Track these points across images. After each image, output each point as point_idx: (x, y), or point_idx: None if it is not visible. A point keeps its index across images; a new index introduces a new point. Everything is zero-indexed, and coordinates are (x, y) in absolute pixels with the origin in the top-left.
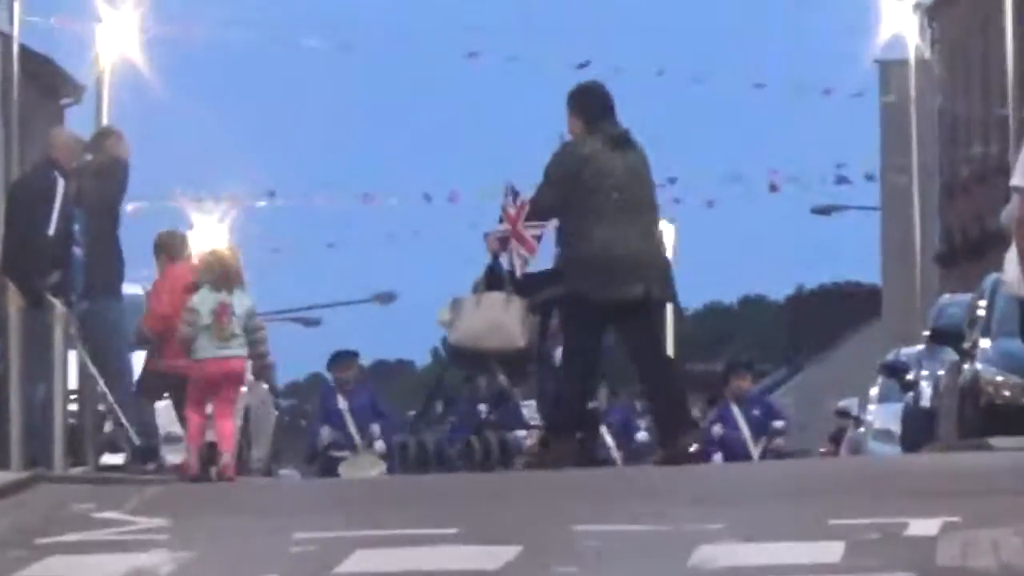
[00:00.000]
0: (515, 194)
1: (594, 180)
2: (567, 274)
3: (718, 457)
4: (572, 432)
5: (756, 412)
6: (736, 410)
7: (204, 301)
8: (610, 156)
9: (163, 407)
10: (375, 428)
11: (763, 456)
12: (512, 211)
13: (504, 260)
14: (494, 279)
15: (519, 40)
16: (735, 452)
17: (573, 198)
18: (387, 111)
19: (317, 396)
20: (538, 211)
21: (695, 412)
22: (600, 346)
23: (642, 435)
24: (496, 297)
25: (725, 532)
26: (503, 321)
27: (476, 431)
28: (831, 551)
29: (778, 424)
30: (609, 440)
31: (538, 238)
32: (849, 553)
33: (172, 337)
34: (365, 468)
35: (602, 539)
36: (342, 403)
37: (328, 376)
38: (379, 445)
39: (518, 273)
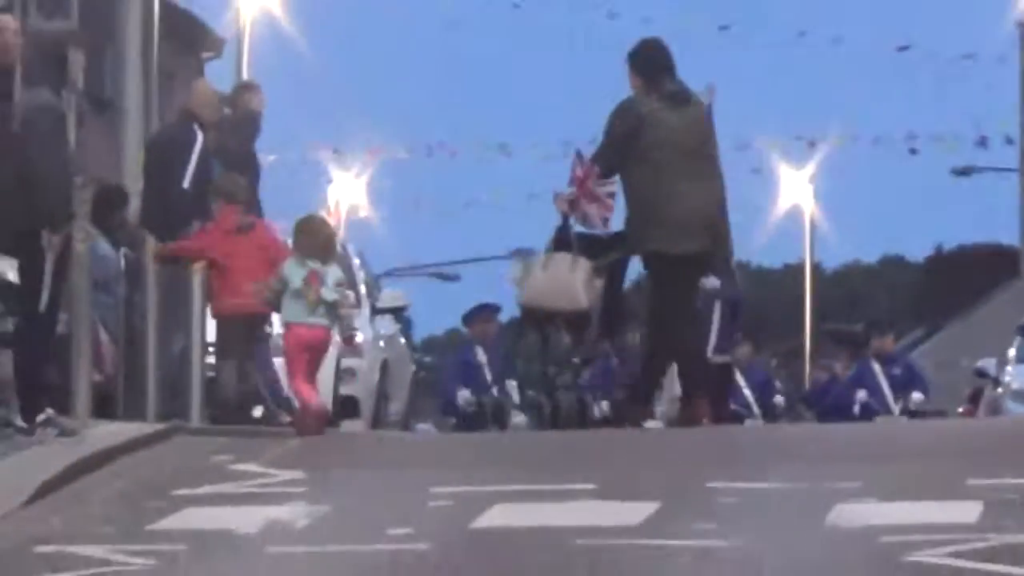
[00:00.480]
0: (580, 156)
1: (652, 137)
2: (632, 233)
3: (856, 412)
4: (647, 399)
5: (897, 371)
6: (877, 368)
7: (295, 268)
8: (668, 114)
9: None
10: (512, 383)
11: (903, 415)
12: (580, 172)
13: (573, 222)
14: (562, 240)
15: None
16: (875, 411)
17: (632, 156)
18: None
19: (453, 350)
20: (600, 170)
21: (836, 369)
22: (690, 299)
23: (779, 398)
24: (563, 258)
25: (862, 490)
26: (569, 282)
27: (548, 392)
28: (969, 511)
29: (917, 396)
30: (750, 397)
31: (612, 195)
32: (987, 514)
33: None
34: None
35: (739, 496)
36: (481, 357)
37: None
38: (517, 398)
39: (601, 231)
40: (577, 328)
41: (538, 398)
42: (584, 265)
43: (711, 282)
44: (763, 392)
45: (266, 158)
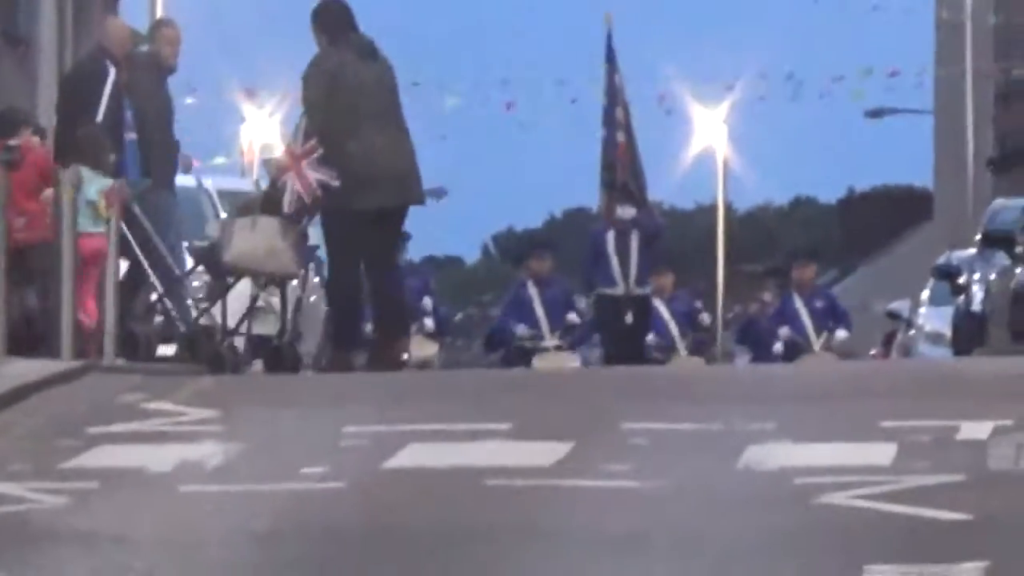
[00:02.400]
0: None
1: (345, 88)
2: (326, 191)
3: (778, 348)
4: (350, 347)
5: (819, 305)
6: (799, 302)
7: (92, 179)
8: (359, 66)
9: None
10: (427, 302)
11: (825, 351)
12: (297, 149)
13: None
14: (270, 203)
15: None
16: (799, 346)
17: (329, 115)
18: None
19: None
20: (316, 138)
21: (736, 311)
22: (392, 248)
23: (842, 332)
24: (271, 222)
25: (775, 432)
26: (279, 247)
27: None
28: (883, 453)
29: (841, 334)
30: (673, 328)
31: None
32: (901, 455)
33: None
34: (418, 348)
35: (652, 437)
36: (534, 293)
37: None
38: (428, 323)
39: (286, 209)
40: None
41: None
42: (294, 230)
43: (627, 212)
44: (687, 322)
45: (183, 100)
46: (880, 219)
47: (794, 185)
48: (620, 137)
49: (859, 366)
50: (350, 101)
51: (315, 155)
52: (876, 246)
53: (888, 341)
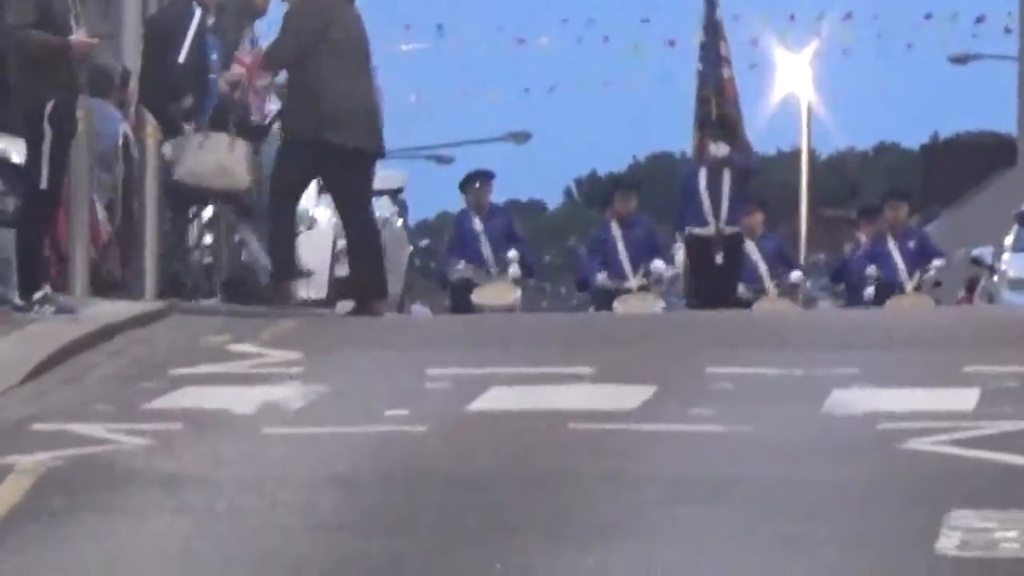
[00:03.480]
0: (253, 42)
1: (338, 34)
2: (294, 120)
3: (870, 292)
4: (289, 276)
5: (911, 245)
6: (892, 243)
7: None
8: (346, 11)
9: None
10: (512, 252)
11: (917, 290)
12: (247, 58)
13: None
14: (219, 119)
15: None
16: (890, 287)
17: (317, 51)
18: None
19: (453, 222)
20: (275, 61)
21: (822, 258)
22: (366, 192)
23: (796, 274)
24: (221, 138)
25: (859, 377)
26: (228, 163)
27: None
28: (966, 398)
29: (937, 262)
30: (762, 269)
31: (267, 88)
32: (984, 401)
33: None
34: (500, 294)
35: (736, 382)
36: (478, 225)
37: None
38: (514, 269)
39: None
40: (240, 205)
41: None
42: (242, 145)
43: (720, 149)
44: (777, 262)
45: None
46: (963, 165)
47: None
48: (725, 72)
49: (942, 312)
50: (341, 43)
51: (266, 79)
52: (959, 192)
53: (972, 287)
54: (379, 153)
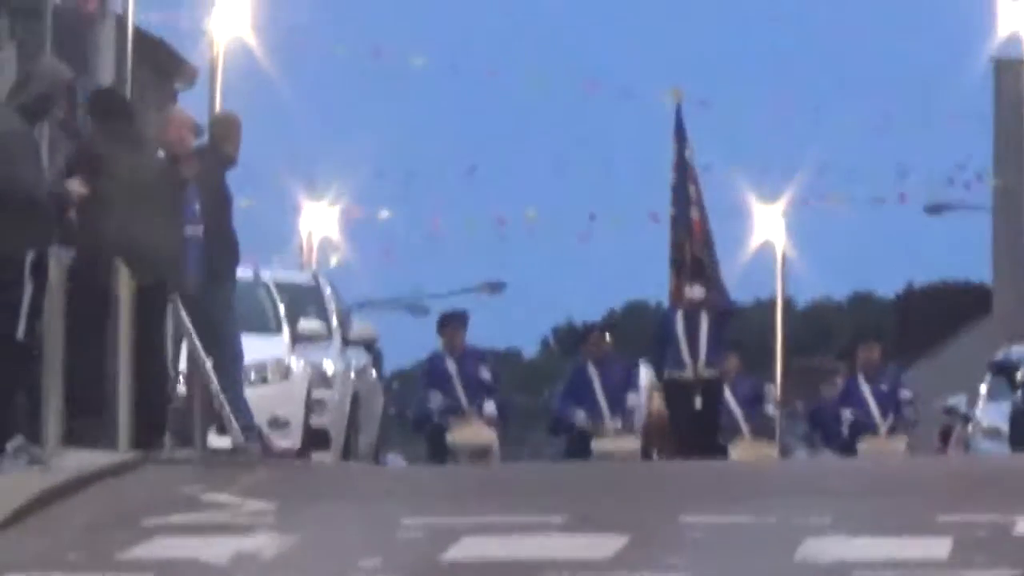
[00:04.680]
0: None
1: (107, 175)
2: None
3: (845, 433)
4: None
5: (884, 387)
6: (865, 386)
7: None
8: (119, 155)
9: (270, 390)
10: (488, 404)
11: (891, 432)
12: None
13: None
14: None
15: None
16: (863, 428)
17: (92, 194)
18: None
19: (425, 362)
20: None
21: (798, 407)
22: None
23: (770, 408)
24: None
25: (832, 526)
26: None
27: None
28: (939, 547)
29: (905, 394)
30: (736, 410)
31: None
32: (957, 550)
33: None
34: (476, 435)
35: (708, 531)
36: (451, 367)
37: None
38: (489, 408)
39: None
40: None
41: None
42: None
43: (696, 292)
44: (752, 406)
45: (240, 200)
46: (938, 314)
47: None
48: (694, 214)
49: (916, 460)
50: (110, 183)
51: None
52: (934, 341)
53: (946, 436)
54: (166, 283)
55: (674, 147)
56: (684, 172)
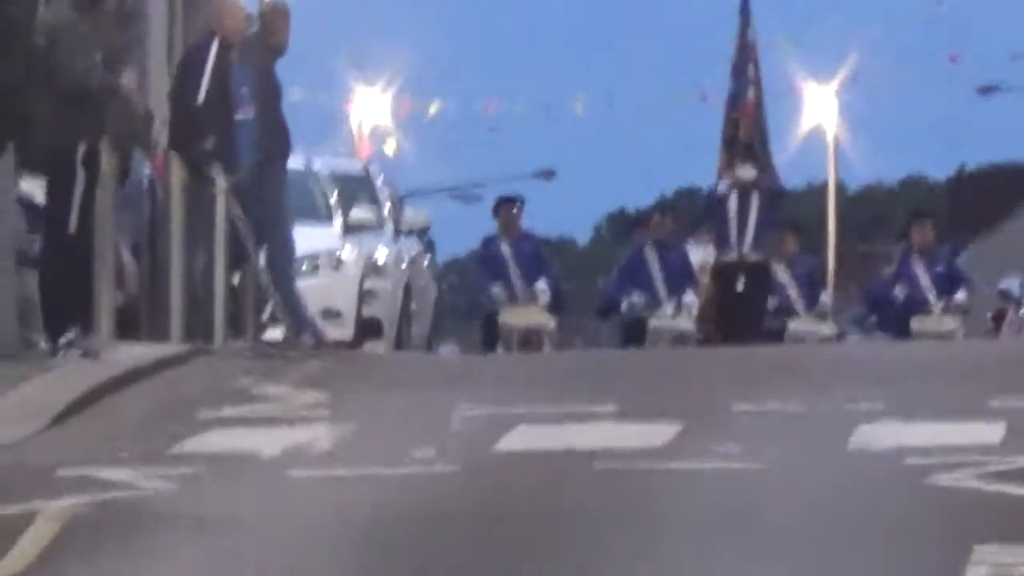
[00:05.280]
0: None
1: None
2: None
3: (898, 311)
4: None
5: (940, 269)
6: (919, 264)
7: None
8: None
9: (322, 281)
10: (541, 284)
11: (945, 311)
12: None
13: None
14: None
15: None
16: (916, 305)
17: None
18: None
19: (480, 247)
20: None
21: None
22: None
23: (825, 299)
24: None
25: (885, 412)
26: None
27: None
28: (992, 432)
29: (960, 296)
30: (794, 293)
31: None
32: (1010, 435)
33: None
34: (530, 317)
35: (761, 418)
36: (506, 251)
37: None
38: (543, 297)
39: None
40: None
41: None
42: None
43: (747, 172)
44: (810, 285)
45: (291, 91)
46: (990, 197)
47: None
48: (750, 93)
49: (968, 345)
50: None
51: None
52: (986, 224)
53: (998, 319)
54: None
55: (738, 25)
56: (745, 51)
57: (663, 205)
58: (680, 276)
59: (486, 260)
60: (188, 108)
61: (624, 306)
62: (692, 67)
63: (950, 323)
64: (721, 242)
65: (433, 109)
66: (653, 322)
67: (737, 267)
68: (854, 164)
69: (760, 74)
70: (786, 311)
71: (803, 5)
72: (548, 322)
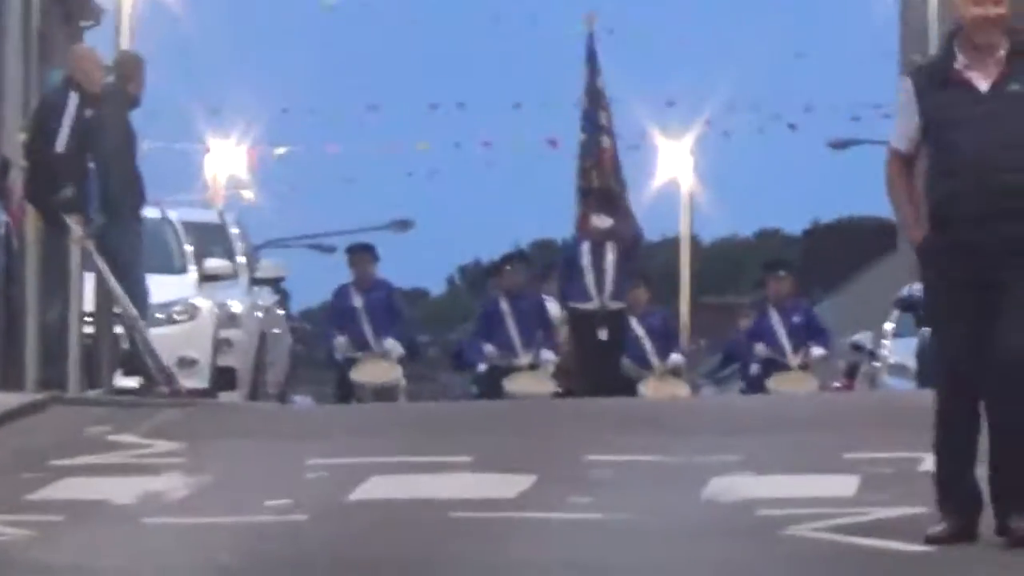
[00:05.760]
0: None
1: None
2: None
3: (756, 369)
4: None
5: (797, 319)
6: (775, 317)
7: None
8: None
9: (177, 330)
10: (388, 340)
11: (803, 367)
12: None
13: None
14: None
15: None
16: (776, 363)
17: None
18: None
19: (332, 297)
20: None
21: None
22: None
23: (676, 357)
24: None
25: (739, 464)
26: None
27: None
28: (846, 485)
29: (817, 352)
30: (647, 346)
31: None
32: (863, 487)
33: None
34: (381, 373)
35: (616, 469)
36: (358, 301)
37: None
38: (395, 351)
39: None
40: None
41: None
42: None
43: (603, 221)
44: (661, 339)
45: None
46: (844, 250)
47: (759, 217)
48: (605, 142)
49: (822, 398)
50: None
51: None
52: (840, 277)
53: (851, 373)
54: None
55: (585, 74)
56: (595, 98)
57: (511, 256)
58: (534, 327)
59: (337, 309)
60: (46, 157)
61: (479, 358)
62: (539, 114)
63: (809, 384)
64: (577, 292)
65: (287, 158)
66: (507, 385)
67: (598, 316)
68: (709, 217)
69: (612, 122)
70: (643, 365)
71: (657, 58)
72: (400, 379)
